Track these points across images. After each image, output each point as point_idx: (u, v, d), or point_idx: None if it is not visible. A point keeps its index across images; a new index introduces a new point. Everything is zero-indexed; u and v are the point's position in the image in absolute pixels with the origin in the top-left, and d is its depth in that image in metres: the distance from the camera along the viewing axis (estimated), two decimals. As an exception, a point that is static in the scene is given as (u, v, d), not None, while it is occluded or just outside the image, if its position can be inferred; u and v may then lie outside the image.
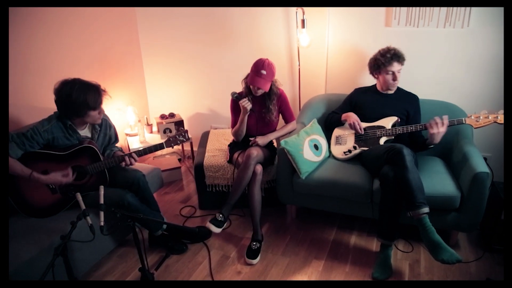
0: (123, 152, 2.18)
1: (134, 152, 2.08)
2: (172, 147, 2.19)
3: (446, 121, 2.08)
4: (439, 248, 1.80)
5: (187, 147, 3.61)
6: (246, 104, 2.30)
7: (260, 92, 2.35)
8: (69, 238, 1.54)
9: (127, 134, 3.19)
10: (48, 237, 1.81)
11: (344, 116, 2.47)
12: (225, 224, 2.28)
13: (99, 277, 2.10)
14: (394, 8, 2.53)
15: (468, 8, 2.38)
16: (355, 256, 2.21)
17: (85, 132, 2.08)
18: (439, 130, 2.08)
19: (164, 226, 2.28)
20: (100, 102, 1.97)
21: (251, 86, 2.35)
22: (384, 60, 2.29)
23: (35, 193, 1.95)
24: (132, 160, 2.07)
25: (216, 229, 2.22)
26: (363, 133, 2.36)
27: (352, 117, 2.40)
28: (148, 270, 1.90)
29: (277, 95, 2.45)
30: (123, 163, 2.06)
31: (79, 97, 1.86)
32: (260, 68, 2.26)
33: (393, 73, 2.32)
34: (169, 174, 3.17)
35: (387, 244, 2.09)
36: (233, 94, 2.40)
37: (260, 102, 2.45)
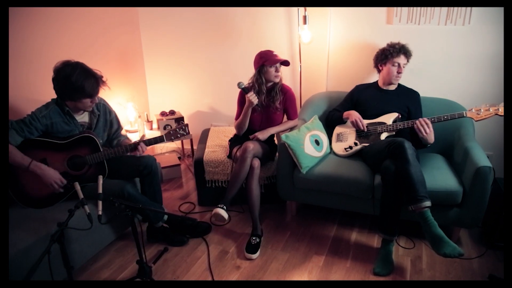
0: (130, 140, 2.17)
1: (133, 143, 2.07)
2: (172, 141, 2.16)
3: (428, 121, 2.10)
4: (441, 242, 1.78)
5: (187, 145, 3.60)
6: (253, 98, 2.31)
7: (279, 75, 2.39)
8: (66, 225, 1.52)
9: (127, 131, 3.17)
10: (45, 226, 1.78)
11: (346, 114, 2.46)
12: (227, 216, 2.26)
13: (96, 270, 2.07)
14: (395, 5, 2.55)
15: (469, 5, 2.39)
16: (356, 252, 2.18)
17: (83, 117, 2.06)
18: (426, 131, 2.09)
19: (165, 217, 2.25)
20: (97, 92, 1.96)
21: (273, 74, 2.36)
22: (393, 51, 2.32)
23: (32, 183, 1.93)
24: (144, 147, 2.06)
25: (225, 214, 2.19)
26: (366, 130, 2.35)
27: (354, 114, 2.39)
28: (146, 263, 1.87)
29: (283, 90, 2.48)
30: (137, 153, 2.04)
31: (77, 82, 1.85)
32: (269, 52, 2.35)
33: (399, 65, 2.33)
34: (168, 171, 3.15)
35: (388, 240, 2.07)
36: (240, 84, 2.35)
37: (266, 97, 2.45)
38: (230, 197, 2.28)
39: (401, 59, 2.32)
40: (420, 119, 2.11)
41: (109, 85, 2.02)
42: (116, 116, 2.25)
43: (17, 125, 1.85)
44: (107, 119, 2.17)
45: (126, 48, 3.25)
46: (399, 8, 2.55)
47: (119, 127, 2.26)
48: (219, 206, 2.22)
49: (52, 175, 1.90)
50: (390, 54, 2.32)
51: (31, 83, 2.40)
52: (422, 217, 1.87)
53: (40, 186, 1.94)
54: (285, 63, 2.37)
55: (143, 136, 2.04)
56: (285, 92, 2.49)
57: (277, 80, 2.41)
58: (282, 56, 2.43)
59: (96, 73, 1.94)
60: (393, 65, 2.34)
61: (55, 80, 1.90)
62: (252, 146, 2.27)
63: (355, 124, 2.37)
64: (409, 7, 2.52)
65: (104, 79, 1.98)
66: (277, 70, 2.36)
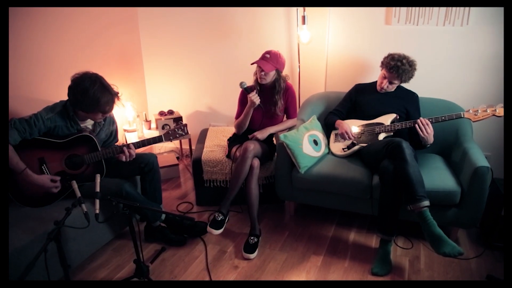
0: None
1: (131, 143, 2.05)
2: (171, 141, 2.16)
3: (428, 122, 2.09)
4: (440, 241, 1.78)
5: (185, 145, 3.59)
6: (255, 98, 2.31)
7: (264, 77, 2.36)
8: (63, 223, 1.51)
9: (125, 130, 3.17)
10: (42, 225, 1.77)
11: (337, 124, 2.44)
12: (226, 221, 2.27)
13: (93, 270, 2.06)
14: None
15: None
16: (354, 252, 2.18)
17: (87, 124, 2.07)
18: (427, 131, 2.08)
19: (163, 216, 2.25)
20: (111, 109, 1.97)
21: (257, 74, 2.38)
22: (387, 63, 2.28)
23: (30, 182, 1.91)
24: (131, 152, 2.04)
25: (217, 232, 2.19)
26: (353, 139, 2.33)
27: (343, 127, 2.36)
28: (144, 262, 1.86)
29: (284, 89, 2.47)
30: (123, 157, 2.02)
31: (94, 96, 1.85)
32: (266, 53, 2.34)
33: (384, 77, 2.32)
34: (166, 171, 3.14)
35: (386, 240, 2.07)
36: (242, 84, 2.36)
37: (267, 96, 2.45)
38: (231, 197, 2.27)
39: (390, 76, 2.29)
40: (421, 119, 2.11)
41: (104, 78, 2.01)
42: (116, 128, 2.27)
43: (20, 124, 1.83)
44: (110, 128, 2.19)
45: (125, 47, 3.24)
46: (397, 9, 2.55)
47: (115, 139, 2.27)
48: (216, 217, 2.20)
49: (43, 182, 1.87)
50: (383, 63, 2.32)
51: (31, 82, 2.39)
52: (421, 217, 1.87)
53: (37, 186, 1.93)
54: (262, 64, 2.30)
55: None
56: (286, 90, 2.49)
57: (260, 81, 2.38)
58: (283, 55, 2.44)
59: (113, 89, 1.94)
60: (383, 75, 2.34)
61: (71, 89, 1.89)
62: (252, 146, 2.27)
63: (343, 137, 2.34)
64: (408, 9, 2.53)
65: (120, 94, 1.99)
66: (260, 70, 2.34)
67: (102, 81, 1.91)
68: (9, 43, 2.20)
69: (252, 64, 2.38)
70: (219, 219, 2.20)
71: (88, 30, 2.82)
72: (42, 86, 2.46)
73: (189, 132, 2.17)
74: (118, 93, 1.98)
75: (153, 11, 3.24)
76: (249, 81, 2.51)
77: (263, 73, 2.33)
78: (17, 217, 1.84)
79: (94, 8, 2.81)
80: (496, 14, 2.36)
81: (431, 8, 2.48)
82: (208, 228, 2.18)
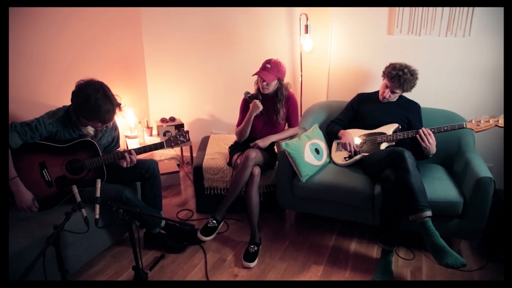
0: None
1: (132, 149, 2.05)
2: (172, 147, 2.16)
3: (430, 132, 2.09)
4: (443, 252, 1.76)
5: (186, 152, 3.59)
6: (258, 103, 2.34)
7: (266, 87, 2.37)
8: (63, 227, 1.50)
9: (126, 136, 3.17)
10: (40, 229, 1.76)
11: (341, 133, 2.44)
12: (219, 227, 2.26)
13: (91, 276, 2.03)
14: (396, 16, 2.57)
15: (469, 17, 2.41)
16: (355, 263, 2.15)
17: (88, 130, 2.07)
18: (429, 141, 2.07)
19: (163, 223, 2.23)
20: (110, 119, 1.97)
21: (259, 84, 2.40)
22: (389, 72, 2.28)
23: (30, 186, 1.90)
24: (133, 157, 2.03)
25: (207, 238, 2.19)
26: (352, 153, 2.32)
27: (347, 137, 2.35)
28: (142, 269, 1.84)
29: (286, 97, 2.47)
30: (124, 163, 2.02)
31: (95, 105, 1.85)
32: (266, 63, 2.35)
33: (386, 87, 2.33)
34: (167, 178, 3.13)
35: (388, 250, 2.04)
36: (246, 93, 2.44)
37: (269, 105, 2.46)
38: (228, 204, 2.27)
39: (391, 85, 2.29)
40: (423, 129, 2.10)
41: (108, 88, 2.01)
42: (118, 134, 2.27)
43: (21, 128, 1.83)
44: (112, 134, 2.19)
45: (127, 52, 3.25)
46: (400, 19, 2.57)
47: (117, 145, 2.27)
48: (209, 223, 2.20)
49: (24, 198, 1.84)
50: (384, 73, 2.33)
51: (30, 84, 2.39)
52: (423, 227, 1.85)
53: (37, 189, 1.92)
54: (263, 75, 2.32)
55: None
56: (288, 99, 2.50)
57: (263, 91, 2.40)
58: (286, 64, 2.45)
59: (115, 100, 1.94)
60: (385, 84, 2.34)
61: (74, 95, 1.90)
62: (254, 154, 2.27)
63: (345, 147, 2.33)
64: (410, 19, 2.54)
65: (122, 105, 1.99)
66: (262, 81, 2.35)
67: (105, 90, 1.91)
68: (13, 47, 2.21)
69: (253, 75, 2.39)
70: (211, 225, 2.20)
71: (89, 32, 2.81)
72: (42, 88, 2.45)
73: (190, 139, 2.18)
74: (120, 104, 1.98)
75: (156, 16, 3.26)
76: (251, 89, 2.52)
77: (265, 83, 2.35)
78: (16, 221, 1.83)
79: (95, 10, 2.80)
80: (497, 25, 2.38)
81: (433, 18, 2.49)
82: (198, 234, 2.18)
